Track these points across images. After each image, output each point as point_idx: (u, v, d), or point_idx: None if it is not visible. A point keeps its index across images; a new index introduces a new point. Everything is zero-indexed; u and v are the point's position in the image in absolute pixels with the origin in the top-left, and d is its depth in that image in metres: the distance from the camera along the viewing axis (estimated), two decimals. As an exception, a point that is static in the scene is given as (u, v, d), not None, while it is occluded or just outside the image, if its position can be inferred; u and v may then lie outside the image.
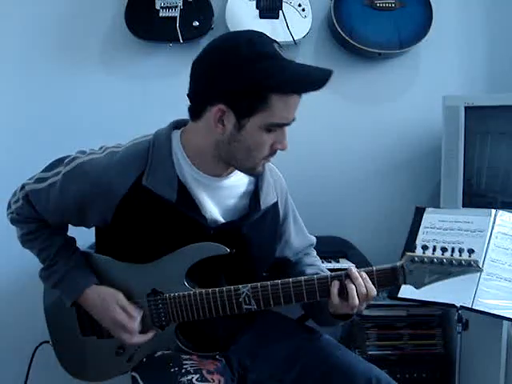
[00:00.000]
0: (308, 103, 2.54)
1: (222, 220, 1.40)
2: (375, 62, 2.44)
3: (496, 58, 2.47)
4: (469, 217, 1.87)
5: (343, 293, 1.32)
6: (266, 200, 1.44)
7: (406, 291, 1.85)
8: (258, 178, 1.44)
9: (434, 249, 1.34)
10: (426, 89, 2.45)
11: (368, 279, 1.32)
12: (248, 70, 1.21)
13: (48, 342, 1.56)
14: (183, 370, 1.32)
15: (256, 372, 1.47)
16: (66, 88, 2.39)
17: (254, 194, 1.43)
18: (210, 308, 1.36)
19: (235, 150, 1.30)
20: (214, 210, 1.40)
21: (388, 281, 1.34)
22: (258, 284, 1.35)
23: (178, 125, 1.42)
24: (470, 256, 1.34)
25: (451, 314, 2.22)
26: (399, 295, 1.86)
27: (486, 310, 1.72)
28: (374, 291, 1.31)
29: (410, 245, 1.92)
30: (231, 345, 1.51)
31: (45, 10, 2.37)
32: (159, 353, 1.42)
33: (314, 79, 1.24)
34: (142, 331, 1.40)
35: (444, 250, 1.34)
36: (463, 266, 1.33)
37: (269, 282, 1.35)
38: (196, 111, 1.32)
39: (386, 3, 2.30)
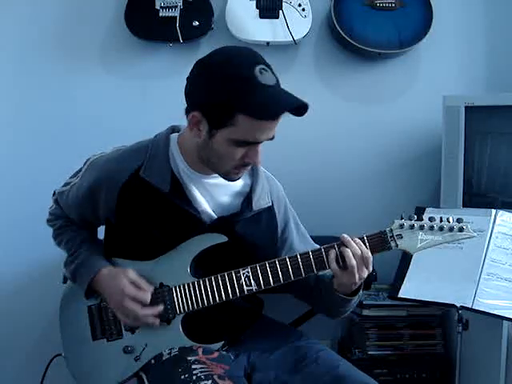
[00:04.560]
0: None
1: (213, 215, 1.49)
2: (375, 62, 2.44)
3: (496, 58, 2.48)
4: (469, 217, 1.85)
5: (340, 260, 1.40)
6: (259, 202, 1.53)
7: (407, 291, 1.86)
8: (253, 181, 1.54)
9: (422, 218, 1.41)
10: (426, 89, 2.45)
11: (361, 243, 1.41)
12: (221, 88, 1.31)
13: (61, 354, 1.60)
14: (194, 377, 1.32)
15: (262, 372, 1.49)
16: (66, 88, 2.39)
17: (248, 195, 1.52)
18: (214, 293, 1.43)
19: (210, 155, 1.41)
20: (205, 205, 1.49)
21: (379, 245, 1.42)
22: (257, 264, 1.43)
23: (176, 128, 1.55)
24: (458, 223, 1.39)
25: (451, 314, 2.22)
26: (399, 295, 1.86)
27: (486, 310, 1.72)
28: (368, 253, 1.39)
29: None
30: (236, 339, 1.55)
31: (45, 9, 2.37)
32: (166, 355, 1.44)
33: (281, 109, 1.31)
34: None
35: (431, 219, 1.40)
36: (454, 231, 1.39)
37: (266, 262, 1.43)
38: (185, 112, 1.43)
39: (386, 3, 2.30)
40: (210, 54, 1.39)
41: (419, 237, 1.40)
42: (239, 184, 1.53)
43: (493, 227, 1.84)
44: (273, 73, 1.35)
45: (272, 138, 1.40)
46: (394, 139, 2.46)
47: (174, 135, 1.52)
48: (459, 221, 1.40)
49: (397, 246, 1.41)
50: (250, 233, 1.51)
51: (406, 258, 1.91)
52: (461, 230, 1.39)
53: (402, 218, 1.42)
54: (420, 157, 2.46)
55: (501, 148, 2.13)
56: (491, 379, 2.01)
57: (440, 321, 2.33)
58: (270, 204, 1.56)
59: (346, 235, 1.42)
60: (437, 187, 2.26)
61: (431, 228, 1.39)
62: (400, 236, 1.40)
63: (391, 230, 1.41)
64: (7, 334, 2.40)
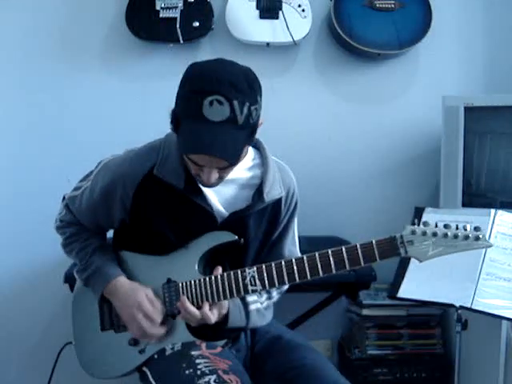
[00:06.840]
0: (308, 103, 2.56)
1: (221, 208, 1.49)
2: (375, 62, 2.44)
3: (496, 58, 2.48)
4: (468, 217, 1.87)
5: None
6: (271, 193, 1.50)
7: (406, 291, 1.86)
8: (263, 171, 1.51)
9: (436, 225, 1.33)
10: (426, 89, 2.46)
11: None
12: (177, 101, 1.34)
13: (71, 342, 1.63)
14: (198, 372, 1.34)
15: (261, 369, 1.51)
16: (66, 88, 2.40)
17: (258, 187, 1.49)
18: (218, 292, 1.44)
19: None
20: (214, 200, 1.49)
21: (388, 251, 1.35)
22: (263, 264, 1.43)
23: None
24: (475, 232, 1.31)
25: (451, 314, 2.22)
26: (399, 295, 1.87)
27: (486, 310, 1.73)
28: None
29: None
30: (238, 337, 1.56)
31: (45, 10, 2.38)
32: (169, 351, 1.46)
33: (190, 150, 1.31)
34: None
35: (447, 226, 1.32)
36: (469, 240, 1.30)
37: (273, 262, 1.42)
38: None
39: (385, 4, 2.31)
40: (198, 63, 1.35)
41: (431, 244, 1.32)
42: (246, 176, 1.51)
43: (492, 227, 1.84)
44: (232, 108, 1.25)
45: (223, 168, 1.35)
46: (393, 139, 2.47)
47: None
48: (476, 229, 1.31)
49: (406, 252, 1.33)
50: (256, 223, 1.51)
51: (405, 258, 1.91)
52: (477, 238, 1.30)
53: (413, 224, 1.35)
54: (420, 157, 2.46)
55: (500, 148, 2.13)
56: (490, 378, 2.01)
57: (439, 320, 2.34)
58: (283, 194, 1.53)
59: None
60: (436, 187, 2.26)
61: (445, 235, 1.31)
62: (411, 242, 1.33)
63: (402, 236, 1.35)
64: (12, 330, 2.43)
